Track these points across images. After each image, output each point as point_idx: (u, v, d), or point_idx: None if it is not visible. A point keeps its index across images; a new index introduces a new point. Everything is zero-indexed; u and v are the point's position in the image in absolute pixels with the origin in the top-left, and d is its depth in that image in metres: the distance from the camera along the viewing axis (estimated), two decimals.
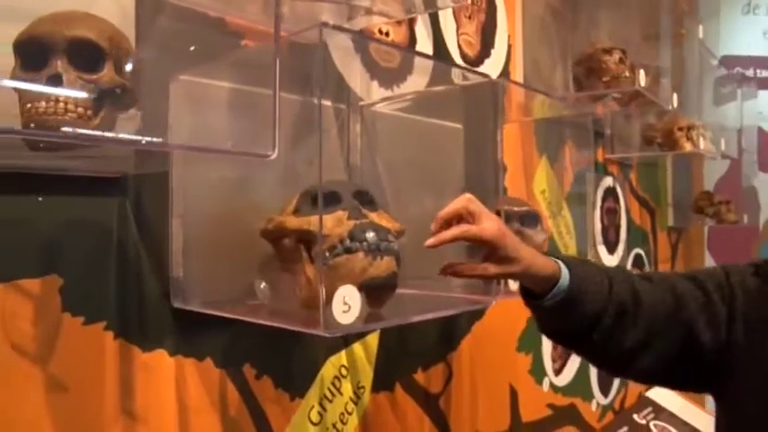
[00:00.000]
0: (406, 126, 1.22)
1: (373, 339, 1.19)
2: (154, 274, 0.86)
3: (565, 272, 0.82)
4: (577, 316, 0.83)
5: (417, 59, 1.28)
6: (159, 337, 0.87)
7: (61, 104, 0.51)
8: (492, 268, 0.80)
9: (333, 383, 1.11)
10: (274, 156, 0.66)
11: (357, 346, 1.15)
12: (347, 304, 0.65)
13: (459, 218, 0.79)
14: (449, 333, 1.39)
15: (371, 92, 1.19)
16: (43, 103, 0.51)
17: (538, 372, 1.73)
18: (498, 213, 0.97)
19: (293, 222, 0.78)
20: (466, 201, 0.80)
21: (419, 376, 1.30)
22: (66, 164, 0.76)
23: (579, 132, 1.88)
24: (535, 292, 0.84)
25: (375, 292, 0.75)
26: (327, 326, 0.65)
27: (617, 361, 0.88)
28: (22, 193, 0.74)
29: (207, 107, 0.90)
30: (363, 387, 1.17)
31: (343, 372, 1.13)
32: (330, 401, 1.10)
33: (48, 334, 0.76)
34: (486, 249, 0.80)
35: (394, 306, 0.85)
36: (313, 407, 1.07)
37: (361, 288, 0.70)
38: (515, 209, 1.10)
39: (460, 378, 1.41)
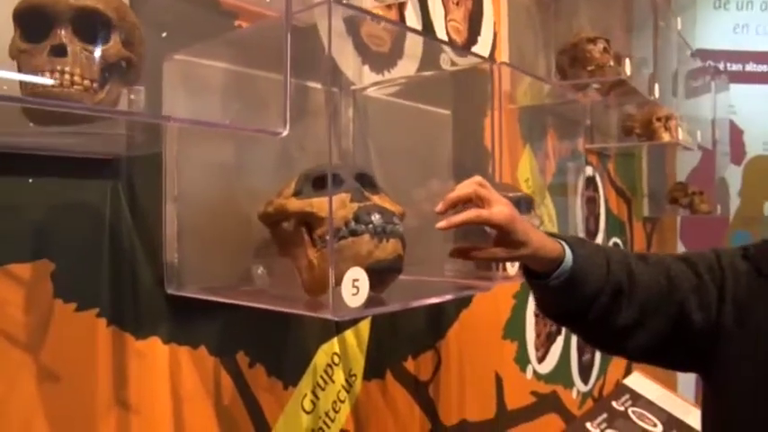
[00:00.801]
0: (397, 111, 1.21)
1: (365, 327, 1.18)
2: (147, 259, 0.84)
3: (568, 253, 0.83)
4: (578, 295, 0.84)
5: (408, 44, 1.27)
6: (153, 325, 0.84)
7: (67, 76, 0.48)
8: (502, 252, 0.80)
9: (325, 371, 1.09)
10: (285, 133, 0.64)
11: (349, 334, 1.14)
12: (356, 287, 0.64)
13: (468, 201, 0.79)
14: (437, 321, 1.39)
15: (363, 76, 1.18)
16: (48, 74, 0.48)
17: (522, 359, 1.74)
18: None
19: (294, 205, 0.76)
20: (476, 184, 0.79)
21: (409, 364, 1.29)
22: (57, 143, 0.73)
23: (561, 122, 1.89)
24: (538, 272, 0.84)
25: (379, 275, 0.73)
26: (337, 309, 0.63)
27: (612, 339, 0.89)
28: (12, 174, 0.71)
29: (202, 88, 0.87)
30: (355, 375, 1.16)
31: (336, 359, 1.12)
32: (323, 389, 1.09)
33: (39, 321, 0.73)
34: (496, 233, 0.80)
35: (391, 291, 0.84)
36: (306, 395, 1.06)
37: (366, 271, 0.69)
38: (509, 195, 1.09)
39: (448, 366, 1.41)
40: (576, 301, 0.84)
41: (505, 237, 0.80)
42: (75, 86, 0.49)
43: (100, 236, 0.79)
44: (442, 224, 0.77)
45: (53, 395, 0.74)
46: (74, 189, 0.77)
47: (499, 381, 1.61)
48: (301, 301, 0.75)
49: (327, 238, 0.73)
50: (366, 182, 0.80)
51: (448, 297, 0.85)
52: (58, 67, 0.48)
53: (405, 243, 0.75)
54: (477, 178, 0.81)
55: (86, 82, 0.49)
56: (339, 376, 1.12)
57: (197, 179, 0.87)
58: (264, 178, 0.93)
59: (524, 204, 1.11)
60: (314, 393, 1.07)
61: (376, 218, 0.71)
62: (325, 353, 1.10)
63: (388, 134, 1.19)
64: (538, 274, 0.85)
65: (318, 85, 1.09)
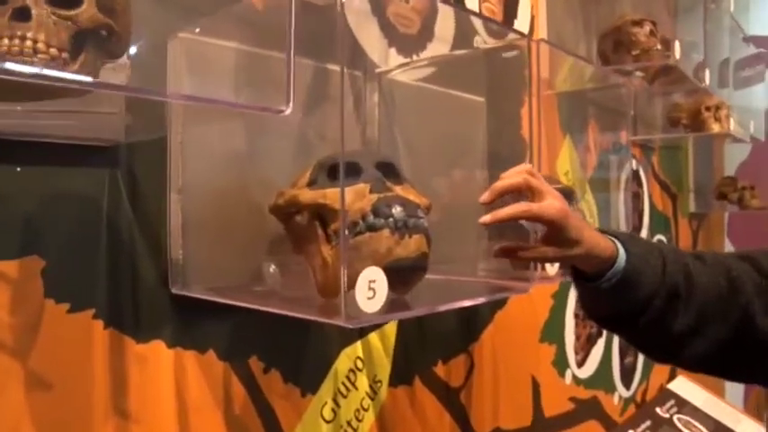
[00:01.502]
0: (426, 97, 1.12)
1: (391, 329, 1.09)
2: (150, 255, 0.77)
3: (622, 251, 0.73)
4: (630, 298, 0.74)
5: (439, 26, 1.18)
6: (156, 327, 0.77)
7: (29, 42, 0.41)
8: (552, 252, 0.71)
9: (348, 377, 1.01)
10: (288, 111, 0.56)
11: (374, 337, 1.06)
12: (372, 290, 0.56)
13: (516, 191, 0.70)
14: (470, 322, 1.30)
15: (389, 60, 1.09)
16: (6, 41, 0.41)
17: (561, 363, 1.63)
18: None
19: (307, 196, 0.68)
20: (526, 173, 0.70)
21: (439, 369, 1.20)
22: (48, 127, 0.67)
23: (603, 112, 1.77)
24: (587, 272, 0.75)
25: (402, 275, 0.65)
26: (350, 315, 0.55)
27: (665, 347, 0.80)
28: None
29: (210, 68, 0.80)
30: (380, 381, 1.07)
31: (359, 365, 1.03)
32: (345, 397, 1.01)
33: (27, 323, 0.67)
34: (544, 229, 0.71)
35: (417, 293, 0.75)
36: (326, 403, 0.98)
37: (385, 271, 0.60)
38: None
39: (482, 370, 1.31)
40: (627, 304, 0.75)
41: (556, 234, 0.70)
42: (39, 55, 0.41)
43: (96, 230, 0.73)
44: (486, 218, 0.68)
45: (44, 404, 0.67)
46: (67, 178, 0.70)
47: (536, 386, 1.51)
48: (314, 305, 0.67)
49: (347, 232, 0.64)
50: (389, 171, 0.71)
51: (480, 300, 0.76)
52: (19, 33, 0.41)
53: (430, 239, 0.67)
54: (527, 166, 0.72)
55: (53, 50, 0.42)
56: (363, 382, 1.04)
57: (205, 168, 0.80)
58: (280, 168, 0.86)
59: (566, 197, 1.01)
60: (335, 401, 0.99)
61: (397, 210, 0.62)
62: (347, 357, 1.02)
63: (417, 122, 1.10)
64: (586, 275, 0.76)
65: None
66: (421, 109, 1.11)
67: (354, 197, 0.66)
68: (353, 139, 1.01)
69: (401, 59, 1.10)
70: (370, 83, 1.04)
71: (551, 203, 0.70)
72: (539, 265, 0.88)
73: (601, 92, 1.65)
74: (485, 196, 0.70)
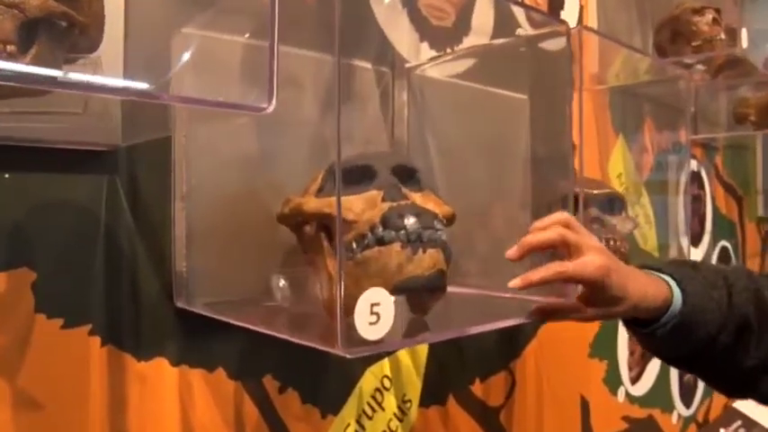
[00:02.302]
0: (461, 95, 1.04)
1: (422, 346, 1.01)
2: (152, 267, 0.72)
3: (677, 293, 0.65)
4: (691, 340, 0.66)
5: (476, 18, 1.10)
6: (159, 344, 0.72)
7: None
8: (592, 313, 0.63)
9: (373, 397, 0.94)
10: (270, 109, 0.49)
11: (403, 354, 0.98)
12: (376, 314, 0.48)
13: (551, 248, 0.63)
14: (512, 337, 1.21)
15: (420, 56, 1.01)
16: None
17: (613, 380, 1.51)
18: (576, 198, 0.78)
19: (312, 204, 0.61)
20: (561, 227, 0.62)
21: (476, 387, 1.12)
22: (38, 132, 0.62)
23: (660, 109, 1.64)
24: (640, 319, 0.67)
25: (414, 295, 0.57)
26: (347, 343, 0.48)
27: (738, 383, 0.72)
28: None
29: (217, 66, 0.74)
30: (410, 401, 1.00)
31: (387, 383, 0.96)
32: (370, 418, 0.93)
33: (16, 340, 0.62)
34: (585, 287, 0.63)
35: (443, 311, 0.67)
36: (349, 425, 0.91)
37: (396, 290, 0.53)
38: (594, 191, 0.90)
39: (524, 389, 1.22)
40: (688, 345, 0.67)
41: (597, 293, 0.63)
42: None
43: (93, 240, 0.68)
44: (516, 282, 0.60)
45: (34, 426, 0.63)
46: (60, 185, 0.65)
47: (585, 405, 1.40)
48: (318, 327, 0.60)
49: (354, 246, 0.57)
50: (407, 176, 0.64)
51: (511, 322, 0.67)
52: None
53: (450, 254, 0.58)
54: (563, 216, 0.64)
55: None
56: (390, 403, 0.97)
57: (212, 172, 0.74)
58: (296, 172, 0.79)
59: (614, 204, 0.91)
60: (359, 423, 0.92)
61: (410, 222, 0.55)
62: (373, 375, 0.94)
63: (451, 122, 1.02)
64: (639, 321, 0.67)
65: (368, 65, 0.93)
66: (455, 108, 1.03)
67: (365, 206, 0.58)
68: (380, 141, 0.94)
69: (434, 54, 1.02)
70: (399, 80, 0.96)
71: (591, 260, 0.62)
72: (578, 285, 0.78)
73: (658, 87, 1.52)
74: (513, 252, 0.62)
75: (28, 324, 0.63)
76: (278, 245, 0.75)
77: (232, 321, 0.65)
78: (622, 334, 1.55)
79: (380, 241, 0.54)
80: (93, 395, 0.67)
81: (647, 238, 1.60)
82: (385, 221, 0.55)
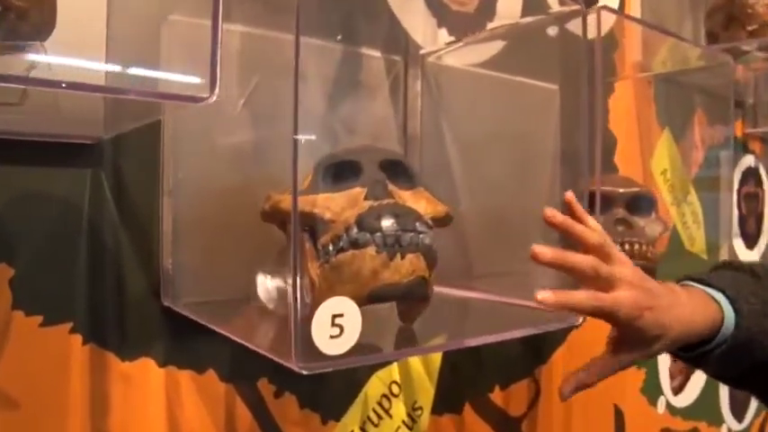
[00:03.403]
0: (482, 84, 0.97)
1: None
2: (139, 264, 0.69)
3: (729, 315, 0.57)
4: (745, 362, 0.59)
5: (501, 2, 1.03)
6: (144, 343, 0.69)
7: None
8: (627, 357, 0.56)
9: (380, 404, 0.89)
10: (212, 99, 0.45)
11: (414, 358, 0.93)
12: (338, 326, 0.43)
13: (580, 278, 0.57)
14: (537, 343, 1.14)
15: (438, 43, 0.95)
16: None
17: (652, 390, 1.42)
18: (592, 196, 0.71)
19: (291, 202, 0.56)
20: (593, 259, 0.56)
21: (496, 395, 1.06)
22: (16, 125, 0.60)
23: (712, 100, 1.52)
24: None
25: (402, 303, 0.52)
26: (303, 357, 0.43)
27: None
28: None
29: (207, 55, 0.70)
30: (421, 408, 0.95)
31: (395, 389, 0.91)
32: (375, 426, 0.89)
33: None
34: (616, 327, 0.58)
35: (441, 320, 0.62)
36: (353, 431, 0.86)
37: (371, 299, 0.48)
38: (620, 190, 0.83)
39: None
40: (738, 368, 0.59)
41: (633, 333, 0.57)
42: None
43: (75, 235, 0.65)
44: (547, 297, 0.53)
45: (9, 426, 0.61)
46: (40, 179, 0.63)
47: (619, 416, 1.32)
48: (281, 336, 0.56)
49: (330, 248, 0.53)
50: (397, 172, 0.59)
51: (515, 334, 0.61)
52: None
53: (433, 259, 0.53)
54: (598, 239, 0.57)
55: None
56: (399, 410, 0.92)
57: (201, 165, 0.70)
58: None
59: (642, 203, 0.84)
60: (363, 430, 0.88)
61: (387, 224, 0.50)
62: (380, 381, 0.90)
63: (470, 114, 0.96)
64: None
65: (377, 53, 0.88)
66: (476, 99, 0.96)
67: (345, 204, 0.54)
68: (389, 136, 0.88)
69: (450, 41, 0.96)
70: (413, 69, 0.91)
71: (625, 296, 0.55)
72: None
73: (710, 77, 1.40)
74: (544, 254, 0.55)
75: (5, 321, 0.61)
76: (269, 243, 0.71)
77: (204, 323, 0.61)
78: None
79: (354, 244, 0.50)
80: (73, 395, 0.65)
81: (695, 239, 1.50)
82: (360, 222, 0.50)
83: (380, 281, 0.49)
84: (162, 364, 0.70)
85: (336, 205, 0.54)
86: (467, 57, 0.95)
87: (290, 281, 0.64)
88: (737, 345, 0.58)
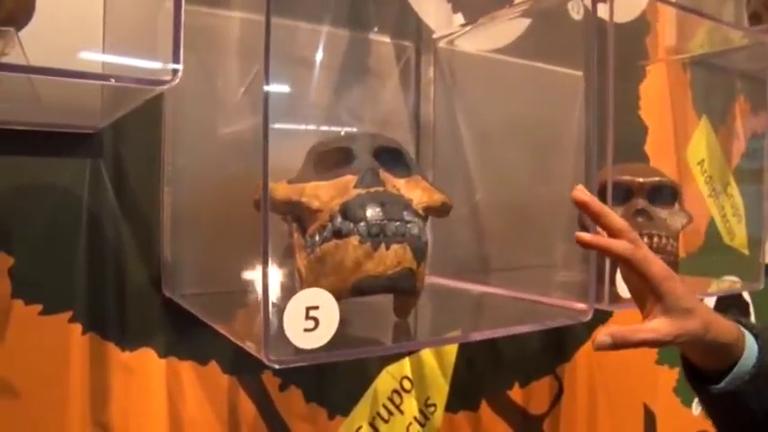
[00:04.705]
0: (499, 71, 0.94)
1: (451, 345, 0.94)
2: (139, 254, 0.68)
3: (750, 342, 0.53)
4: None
5: None
6: (145, 333, 0.69)
7: None
8: (665, 326, 0.52)
9: (391, 399, 0.88)
10: (175, 82, 0.43)
11: (427, 354, 0.91)
12: (313, 319, 0.41)
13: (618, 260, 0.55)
14: (560, 339, 1.10)
15: (453, 29, 0.92)
16: None
17: (686, 390, 1.35)
18: (603, 187, 0.67)
19: (281, 192, 0.55)
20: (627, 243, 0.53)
21: (515, 393, 1.02)
22: (14, 115, 0.60)
23: (756, 87, 1.44)
24: (703, 372, 0.56)
25: (397, 296, 0.50)
26: (273, 351, 0.41)
27: None
28: None
29: (209, 43, 0.70)
30: (435, 405, 0.92)
31: (407, 385, 0.89)
32: (386, 422, 0.87)
33: None
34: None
35: (438, 313, 0.60)
36: (361, 427, 0.85)
37: (354, 291, 0.46)
38: (640, 179, 0.78)
39: (574, 396, 1.11)
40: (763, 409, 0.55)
41: (661, 297, 0.53)
42: None
43: (75, 225, 0.65)
44: (585, 235, 0.52)
45: (9, 413, 0.61)
46: (39, 169, 0.63)
47: (650, 416, 1.26)
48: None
49: (317, 238, 0.51)
50: (392, 160, 0.56)
51: (520, 329, 0.58)
52: None
53: (422, 250, 0.50)
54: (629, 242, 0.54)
55: None
56: (411, 406, 0.90)
57: (200, 154, 0.70)
58: (296, 156, 0.73)
59: (664, 193, 0.79)
60: (372, 426, 0.86)
61: (372, 212, 0.47)
62: (391, 376, 0.88)
63: (488, 102, 0.93)
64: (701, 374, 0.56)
65: (386, 39, 0.86)
66: (492, 85, 0.93)
67: (335, 193, 0.52)
68: (400, 124, 0.86)
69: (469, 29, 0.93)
70: (426, 54, 0.88)
71: (656, 259, 0.54)
72: (606, 285, 0.68)
73: (752, 61, 1.33)
74: (587, 238, 0.53)
75: (5, 309, 0.61)
76: (271, 234, 0.70)
77: (196, 314, 0.60)
78: None
79: (337, 234, 0.48)
80: (72, 384, 0.65)
81: (735, 233, 1.42)
82: (344, 211, 0.48)
83: (364, 272, 0.46)
84: (163, 355, 0.70)
85: (325, 194, 0.52)
86: (483, 42, 0.92)
87: (282, 271, 0.62)
88: (758, 376, 0.54)
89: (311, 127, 0.77)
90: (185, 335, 0.71)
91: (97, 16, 0.63)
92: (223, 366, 0.74)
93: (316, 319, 0.42)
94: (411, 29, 0.86)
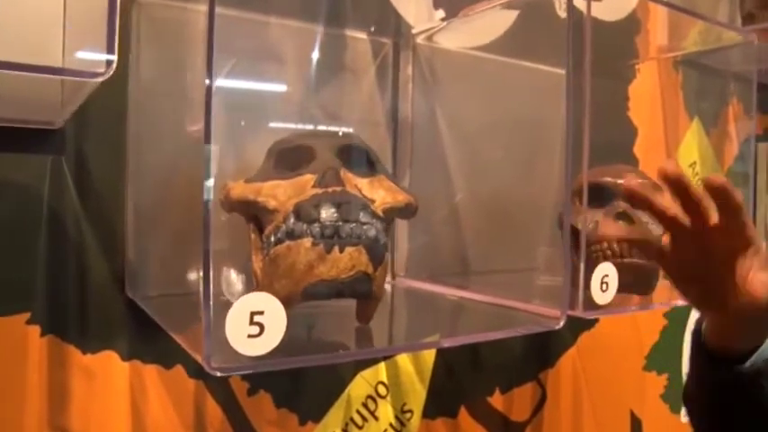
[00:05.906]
0: (480, 69, 0.92)
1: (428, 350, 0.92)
2: (102, 254, 0.67)
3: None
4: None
5: None
6: (107, 336, 0.67)
7: None
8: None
9: (365, 405, 0.86)
10: (109, 74, 0.41)
11: (403, 358, 0.89)
12: (258, 324, 0.40)
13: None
14: (543, 344, 1.08)
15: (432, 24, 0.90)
16: None
17: (674, 397, 1.34)
18: (581, 188, 0.65)
19: (238, 191, 0.53)
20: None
21: (496, 399, 1.00)
22: None
23: (749, 89, 1.42)
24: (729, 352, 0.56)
25: (360, 301, 0.48)
26: (213, 357, 0.39)
27: None
28: None
29: (174, 36, 0.68)
30: (411, 411, 0.90)
31: (382, 390, 0.87)
32: (360, 428, 0.85)
33: None
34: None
35: (406, 319, 0.58)
36: None
37: (306, 296, 0.44)
38: (621, 181, 0.76)
39: (557, 403, 1.09)
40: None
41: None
42: None
43: (34, 223, 0.63)
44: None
45: None
46: None
47: (636, 423, 1.24)
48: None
49: (272, 239, 0.49)
50: (355, 159, 0.54)
51: (487, 336, 0.56)
52: None
53: (379, 253, 0.48)
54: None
55: None
56: (386, 412, 0.88)
57: (169, 152, 0.67)
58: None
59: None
60: None
61: (326, 213, 0.45)
62: (365, 381, 0.86)
63: (468, 100, 0.91)
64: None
65: (363, 35, 0.84)
66: (473, 83, 0.91)
67: (292, 192, 0.50)
68: (377, 122, 0.84)
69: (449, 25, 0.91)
70: (404, 51, 0.86)
71: None
72: (581, 290, 0.65)
73: (744, 62, 1.31)
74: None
75: None
76: (236, 234, 0.68)
77: (152, 317, 0.59)
78: (689, 343, 1.36)
79: (290, 235, 0.46)
80: (30, 388, 0.63)
81: None
82: (297, 212, 0.46)
83: (316, 276, 0.45)
84: (126, 358, 0.68)
85: (283, 193, 0.50)
86: (464, 40, 0.90)
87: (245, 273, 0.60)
88: None
89: (282, 125, 0.75)
90: (150, 337, 0.69)
91: (58, 7, 0.61)
92: (189, 370, 0.72)
93: (261, 325, 0.40)
94: (389, 24, 0.84)
